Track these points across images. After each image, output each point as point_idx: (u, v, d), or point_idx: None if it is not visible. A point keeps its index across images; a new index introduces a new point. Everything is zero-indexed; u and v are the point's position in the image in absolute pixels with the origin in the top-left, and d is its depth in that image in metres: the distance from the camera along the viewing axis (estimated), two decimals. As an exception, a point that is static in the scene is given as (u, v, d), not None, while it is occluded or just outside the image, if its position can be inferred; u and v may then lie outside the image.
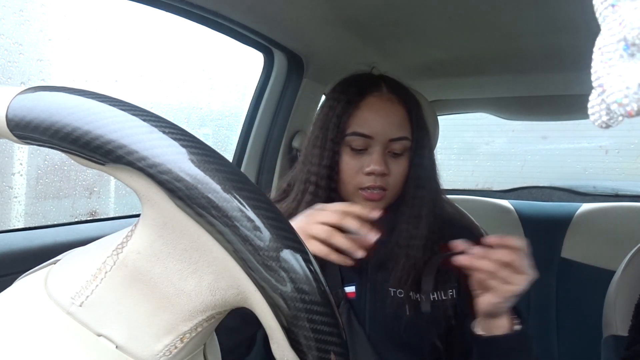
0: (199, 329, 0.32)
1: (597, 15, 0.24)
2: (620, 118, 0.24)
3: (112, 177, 0.31)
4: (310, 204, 0.85)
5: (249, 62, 1.49)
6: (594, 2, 0.24)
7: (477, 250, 0.67)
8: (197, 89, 1.68)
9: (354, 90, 0.87)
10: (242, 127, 1.50)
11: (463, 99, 2.06)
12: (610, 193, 2.09)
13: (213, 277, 0.30)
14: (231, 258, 0.28)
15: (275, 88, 1.47)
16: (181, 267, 0.30)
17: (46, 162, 1.23)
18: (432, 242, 0.85)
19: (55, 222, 1.08)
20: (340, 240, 0.67)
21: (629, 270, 1.12)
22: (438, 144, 1.30)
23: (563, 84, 1.72)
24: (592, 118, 0.26)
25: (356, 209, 0.69)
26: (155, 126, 0.28)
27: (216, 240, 0.28)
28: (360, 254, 0.67)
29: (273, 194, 1.01)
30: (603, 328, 1.13)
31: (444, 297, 0.85)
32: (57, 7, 1.23)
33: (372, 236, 0.67)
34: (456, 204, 0.99)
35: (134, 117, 0.28)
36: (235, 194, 0.28)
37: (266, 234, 0.28)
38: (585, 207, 1.83)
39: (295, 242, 0.29)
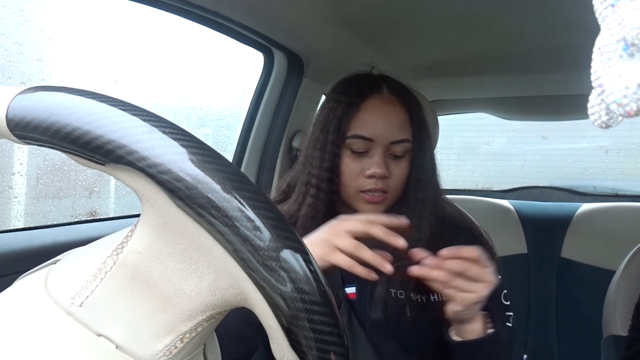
0: (199, 329, 0.32)
1: (597, 15, 0.24)
2: (620, 118, 0.24)
3: (112, 177, 0.31)
4: (311, 206, 0.85)
5: (249, 62, 1.49)
6: (593, 2, 0.24)
7: (430, 260, 0.69)
8: (197, 89, 1.68)
9: (354, 91, 0.86)
10: (242, 127, 1.50)
11: (463, 99, 2.06)
12: (610, 193, 2.09)
13: (213, 277, 0.30)
14: (231, 258, 0.28)
15: (275, 88, 1.47)
16: (181, 267, 0.30)
17: (46, 162, 1.23)
18: (432, 243, 0.85)
19: (55, 222, 1.08)
20: (367, 254, 0.67)
21: (629, 270, 1.12)
22: (438, 144, 1.30)
23: (563, 84, 1.72)
24: (592, 118, 0.26)
25: (383, 218, 0.70)
26: (155, 126, 0.28)
27: (216, 240, 0.28)
28: (387, 267, 0.67)
29: (273, 194, 1.01)
30: (603, 328, 1.13)
31: (443, 298, 0.85)
32: (57, 7, 1.23)
33: (401, 242, 0.68)
34: (456, 204, 0.99)
35: (134, 117, 0.28)
36: (235, 194, 0.28)
37: (266, 234, 0.28)
38: (585, 207, 1.83)
39: (295, 242, 0.29)
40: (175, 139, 0.28)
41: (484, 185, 2.57)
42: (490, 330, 0.74)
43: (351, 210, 0.87)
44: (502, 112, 2.07)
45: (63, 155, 0.30)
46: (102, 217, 1.32)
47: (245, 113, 1.50)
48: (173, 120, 0.30)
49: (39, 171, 1.24)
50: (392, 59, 1.47)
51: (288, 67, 1.45)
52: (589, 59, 0.25)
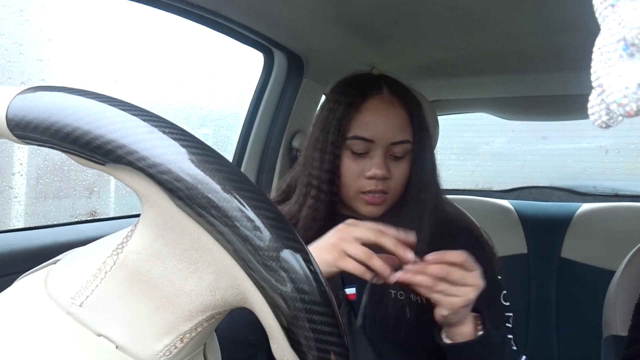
0: (199, 329, 0.32)
1: (597, 15, 0.24)
2: (620, 118, 0.24)
3: (112, 177, 0.31)
4: (312, 207, 0.85)
5: (249, 62, 1.49)
6: (593, 2, 0.24)
7: (411, 266, 0.68)
8: (197, 89, 1.68)
9: (354, 92, 0.85)
10: (242, 127, 1.50)
11: (463, 99, 2.06)
12: (610, 193, 2.09)
13: (213, 277, 0.30)
14: (231, 258, 0.28)
15: (275, 88, 1.47)
16: (181, 267, 0.30)
17: (46, 162, 1.23)
18: (432, 244, 0.85)
19: (55, 222, 1.08)
20: (377, 263, 0.67)
21: (629, 270, 1.12)
22: (438, 144, 1.30)
23: (563, 84, 1.72)
24: (592, 118, 0.26)
25: (392, 230, 0.69)
26: (155, 126, 0.28)
27: (216, 240, 0.28)
28: (394, 278, 0.67)
29: (273, 194, 1.00)
30: (603, 328, 1.13)
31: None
32: (57, 7, 1.23)
33: (410, 256, 0.68)
34: (456, 204, 0.99)
35: (134, 117, 0.28)
36: (235, 194, 0.28)
37: (266, 234, 0.28)
38: (585, 207, 1.83)
39: (295, 242, 0.29)
40: (175, 139, 0.28)
41: (484, 185, 2.58)
42: (480, 333, 0.74)
43: (351, 211, 0.87)
44: (502, 112, 2.07)
45: (63, 155, 0.30)
46: (102, 217, 1.32)
47: (245, 113, 1.50)
48: (173, 120, 0.30)
49: (39, 171, 1.24)
50: (392, 59, 1.47)
51: (288, 67, 1.45)
52: (589, 59, 0.25)
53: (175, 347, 0.31)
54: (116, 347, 0.30)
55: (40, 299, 0.31)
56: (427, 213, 0.85)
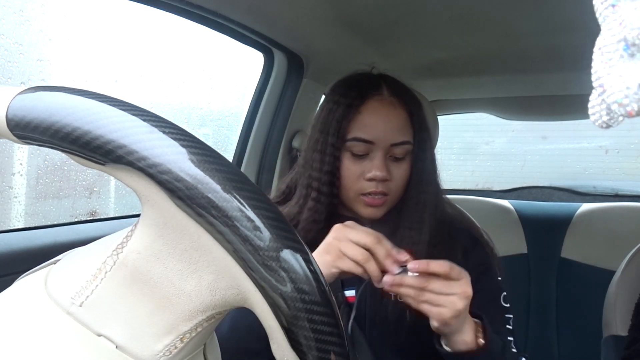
0: (199, 329, 0.32)
1: (597, 15, 0.24)
2: (621, 118, 0.24)
3: (112, 177, 0.31)
4: (312, 209, 0.84)
5: (249, 62, 1.49)
6: (594, 2, 0.24)
7: (389, 277, 0.67)
8: (197, 89, 1.68)
9: (353, 92, 0.85)
10: (242, 127, 1.50)
11: (463, 99, 2.06)
12: (610, 193, 2.09)
13: (213, 277, 0.30)
14: (231, 258, 0.28)
15: (275, 88, 1.47)
16: (181, 267, 0.30)
17: (46, 162, 1.23)
18: (433, 246, 0.84)
19: (55, 222, 1.08)
20: (372, 267, 0.67)
21: (629, 270, 1.12)
22: (438, 144, 1.30)
23: (563, 84, 1.72)
24: (592, 118, 0.26)
25: (388, 243, 0.69)
26: (155, 126, 0.28)
27: (216, 240, 0.28)
28: (384, 285, 0.68)
29: (273, 194, 1.00)
30: (603, 328, 1.13)
31: None
32: (57, 7, 1.23)
33: (395, 270, 0.68)
34: (456, 204, 0.98)
35: (134, 117, 0.28)
36: (235, 194, 0.28)
37: (266, 234, 0.28)
38: (585, 207, 1.83)
39: (295, 242, 0.29)
40: (175, 139, 0.28)
41: (484, 185, 2.58)
42: (481, 342, 0.72)
43: (352, 212, 0.87)
44: (502, 112, 2.07)
45: (63, 155, 0.30)
46: (102, 217, 1.32)
47: (245, 113, 1.50)
48: (173, 120, 0.30)
49: (39, 171, 1.24)
50: (392, 59, 1.47)
51: (288, 67, 1.45)
52: (589, 59, 0.25)
53: (175, 347, 0.31)
54: (116, 347, 0.30)
55: (40, 299, 0.31)
56: (427, 214, 0.85)
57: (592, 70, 0.24)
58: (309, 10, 1.14)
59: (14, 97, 0.30)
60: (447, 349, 0.73)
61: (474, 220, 0.98)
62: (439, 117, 1.39)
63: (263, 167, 1.52)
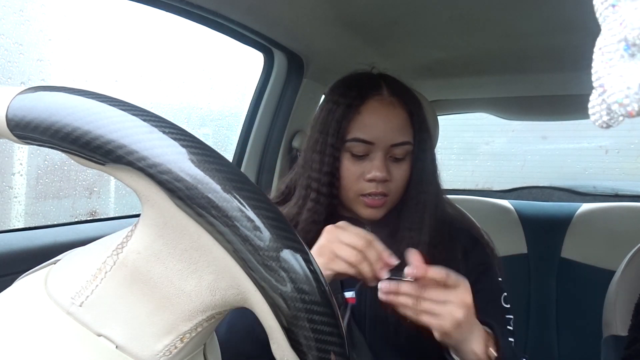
0: (199, 329, 0.32)
1: (598, 15, 0.24)
2: (621, 118, 0.24)
3: (112, 177, 0.31)
4: (311, 210, 0.84)
5: (249, 62, 1.49)
6: (594, 2, 0.24)
7: (384, 284, 0.65)
8: (197, 89, 1.68)
9: (353, 93, 0.84)
10: (242, 127, 1.50)
11: (463, 99, 2.06)
12: (610, 193, 2.09)
13: (213, 277, 0.30)
14: (231, 258, 0.28)
15: (275, 88, 1.47)
16: (181, 267, 0.30)
17: (46, 162, 1.23)
18: (433, 247, 0.84)
19: (55, 222, 1.08)
20: (366, 269, 0.67)
21: (629, 270, 1.12)
22: (438, 144, 1.30)
23: (563, 84, 1.72)
24: (592, 118, 0.26)
25: (379, 245, 0.69)
26: (155, 126, 0.28)
27: (216, 240, 0.28)
28: (374, 283, 0.68)
29: (273, 195, 1.00)
30: (603, 328, 1.13)
31: None
32: (57, 7, 1.23)
33: (383, 275, 0.68)
34: (456, 204, 0.98)
35: (134, 117, 0.28)
36: (235, 194, 0.28)
37: (266, 234, 0.28)
38: (585, 207, 1.83)
39: (295, 242, 0.29)
40: (175, 139, 0.28)
41: (484, 185, 2.58)
42: (492, 353, 0.68)
43: (352, 213, 0.86)
44: (502, 112, 2.07)
45: (63, 155, 0.30)
46: (102, 217, 1.32)
47: (245, 113, 1.50)
48: (173, 120, 0.30)
49: (39, 171, 1.24)
50: (392, 59, 1.47)
51: (288, 67, 1.45)
52: (589, 59, 0.25)
53: (175, 347, 0.31)
54: (116, 347, 0.30)
55: (40, 299, 0.31)
56: (427, 215, 0.84)
57: (593, 70, 0.24)
58: (309, 10, 1.14)
59: (14, 97, 0.30)
60: (457, 358, 0.71)
61: (475, 221, 0.98)
62: (439, 117, 1.39)
63: (263, 167, 1.52)
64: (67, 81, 1.25)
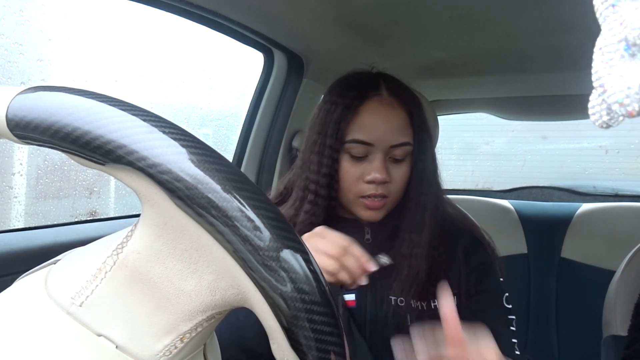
0: (199, 329, 0.32)
1: (598, 15, 0.24)
2: (621, 118, 0.24)
3: (112, 177, 0.31)
4: (309, 212, 0.83)
5: (249, 62, 1.49)
6: (594, 2, 0.24)
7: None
8: (197, 89, 1.68)
9: (352, 93, 0.82)
10: (242, 127, 1.50)
11: (463, 99, 2.06)
12: (610, 193, 2.09)
13: (213, 277, 0.30)
14: (231, 258, 0.28)
15: (275, 88, 1.47)
16: (181, 267, 0.30)
17: (46, 162, 1.23)
18: (434, 248, 0.83)
19: (55, 222, 1.08)
20: (344, 277, 0.67)
21: (629, 270, 1.12)
22: (438, 144, 1.30)
23: (563, 84, 1.72)
24: (592, 118, 0.26)
25: (356, 251, 0.68)
26: (155, 126, 0.28)
27: (216, 240, 0.28)
28: (355, 286, 0.68)
29: (272, 195, 0.99)
30: (603, 328, 1.13)
31: None
32: (57, 7, 1.23)
33: (363, 282, 0.69)
34: (456, 204, 0.98)
35: (134, 117, 0.28)
36: (235, 194, 0.28)
37: (266, 234, 0.28)
38: (585, 207, 1.83)
39: (295, 242, 0.29)
40: (175, 139, 0.28)
41: (484, 185, 2.58)
42: None
43: (351, 215, 0.86)
44: (502, 112, 2.07)
45: (63, 155, 0.30)
46: (102, 217, 1.32)
47: (245, 113, 1.50)
48: (173, 120, 0.30)
49: (39, 171, 1.24)
50: (392, 59, 1.47)
51: (288, 67, 1.45)
52: (589, 59, 0.25)
53: (175, 347, 0.31)
54: (116, 347, 0.30)
55: (40, 299, 0.31)
56: (428, 216, 0.83)
57: (593, 70, 0.24)
58: (309, 10, 1.14)
59: (14, 97, 0.30)
60: None
61: (475, 221, 0.97)
62: (439, 117, 1.39)
63: (263, 167, 1.52)
64: (67, 81, 1.25)
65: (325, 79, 1.50)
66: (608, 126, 0.25)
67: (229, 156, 1.51)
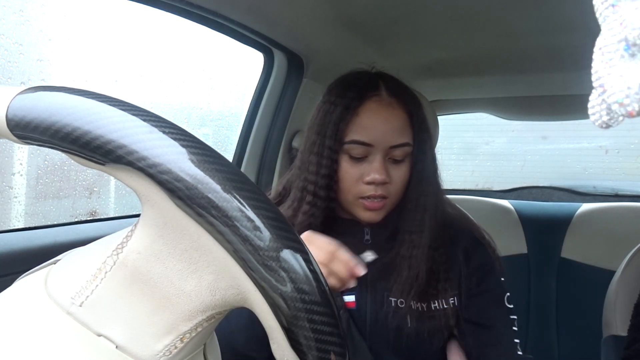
0: (199, 329, 0.32)
1: (598, 15, 0.24)
2: (621, 118, 0.24)
3: (112, 177, 0.31)
4: (307, 213, 0.82)
5: (249, 62, 1.49)
6: (594, 2, 0.24)
7: None
8: (197, 89, 1.68)
9: (351, 93, 0.82)
10: (242, 127, 1.50)
11: (463, 99, 2.06)
12: (610, 193, 2.09)
13: (213, 277, 0.30)
14: (231, 258, 0.28)
15: (275, 88, 1.47)
16: (181, 267, 0.30)
17: (46, 162, 1.23)
18: (434, 249, 0.83)
19: (55, 222, 1.08)
20: (333, 282, 0.68)
21: (629, 270, 1.12)
22: (438, 144, 1.30)
23: (563, 84, 1.72)
24: (592, 118, 0.26)
25: (344, 256, 0.68)
26: (155, 126, 0.28)
27: (216, 240, 0.28)
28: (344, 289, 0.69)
29: (271, 196, 0.99)
30: (603, 328, 1.13)
31: (445, 306, 0.82)
32: (57, 7, 1.23)
33: (352, 285, 0.69)
34: (456, 204, 0.98)
35: (134, 117, 0.28)
36: (235, 194, 0.28)
37: (266, 234, 0.28)
38: (585, 207, 1.83)
39: (295, 242, 0.29)
40: (175, 139, 0.28)
41: (484, 185, 2.58)
42: None
43: (351, 216, 0.85)
44: (502, 112, 2.07)
45: (63, 155, 0.30)
46: (102, 217, 1.32)
47: (245, 113, 1.50)
48: (173, 120, 0.30)
49: (39, 171, 1.24)
50: (392, 59, 1.47)
51: (288, 67, 1.45)
52: (589, 59, 0.25)
53: (175, 347, 0.31)
54: (116, 347, 0.30)
55: (40, 299, 0.31)
56: (428, 216, 0.83)
57: (593, 70, 0.24)
58: (309, 10, 1.14)
59: (14, 97, 0.30)
60: None
61: (475, 222, 0.97)
62: (439, 117, 1.39)
63: (263, 167, 1.52)
64: (67, 81, 1.25)
65: (325, 79, 1.49)
66: (608, 126, 0.25)
67: (229, 156, 1.51)
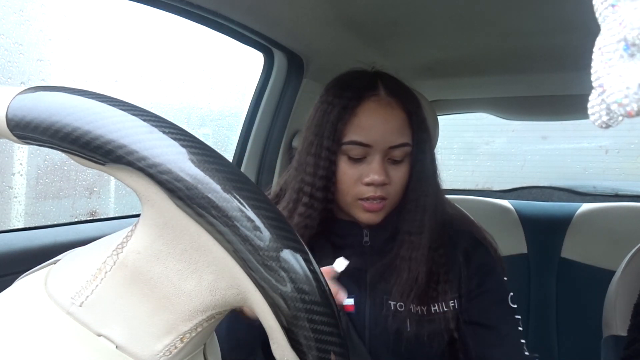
0: (199, 329, 0.32)
1: (597, 15, 0.24)
2: (621, 118, 0.24)
3: (112, 177, 0.31)
4: (303, 215, 0.81)
5: (249, 62, 1.49)
6: (594, 2, 0.24)
7: None
8: (197, 89, 1.68)
9: (349, 93, 0.80)
10: (242, 127, 1.50)
11: (463, 99, 2.06)
12: (610, 193, 2.09)
13: (213, 277, 0.30)
14: (231, 258, 0.28)
15: (275, 88, 1.47)
16: (181, 267, 0.30)
17: (46, 162, 1.23)
18: (433, 250, 0.82)
19: (55, 222, 1.08)
20: None
21: (629, 270, 1.12)
22: (438, 144, 1.30)
23: (563, 84, 1.72)
24: (592, 118, 0.26)
25: (327, 268, 0.70)
26: (155, 126, 0.28)
27: (216, 240, 0.28)
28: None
29: (270, 196, 0.98)
30: (603, 328, 1.13)
31: (445, 309, 0.81)
32: (57, 7, 1.23)
33: (343, 297, 0.70)
34: (456, 204, 0.97)
35: (134, 117, 0.28)
36: (235, 194, 0.28)
37: (266, 234, 0.28)
38: (585, 207, 1.83)
39: (295, 242, 0.29)
40: (175, 139, 0.28)
41: (484, 185, 2.58)
42: None
43: (350, 217, 0.84)
44: (502, 112, 2.07)
45: (63, 155, 0.30)
46: (102, 217, 1.32)
47: (245, 113, 1.50)
48: (173, 120, 0.30)
49: (39, 171, 1.24)
50: (392, 59, 1.47)
51: (288, 67, 1.45)
52: (589, 59, 0.25)
53: (175, 347, 0.31)
54: (116, 347, 0.30)
55: (40, 299, 0.31)
56: (427, 217, 0.82)
57: (592, 70, 0.24)
58: (309, 10, 1.14)
59: (14, 97, 0.30)
60: None
61: (475, 221, 0.96)
62: (439, 117, 1.39)
63: (263, 167, 1.52)
64: (67, 81, 1.25)
65: (325, 79, 1.48)
66: (607, 126, 0.25)
67: (229, 156, 1.51)
